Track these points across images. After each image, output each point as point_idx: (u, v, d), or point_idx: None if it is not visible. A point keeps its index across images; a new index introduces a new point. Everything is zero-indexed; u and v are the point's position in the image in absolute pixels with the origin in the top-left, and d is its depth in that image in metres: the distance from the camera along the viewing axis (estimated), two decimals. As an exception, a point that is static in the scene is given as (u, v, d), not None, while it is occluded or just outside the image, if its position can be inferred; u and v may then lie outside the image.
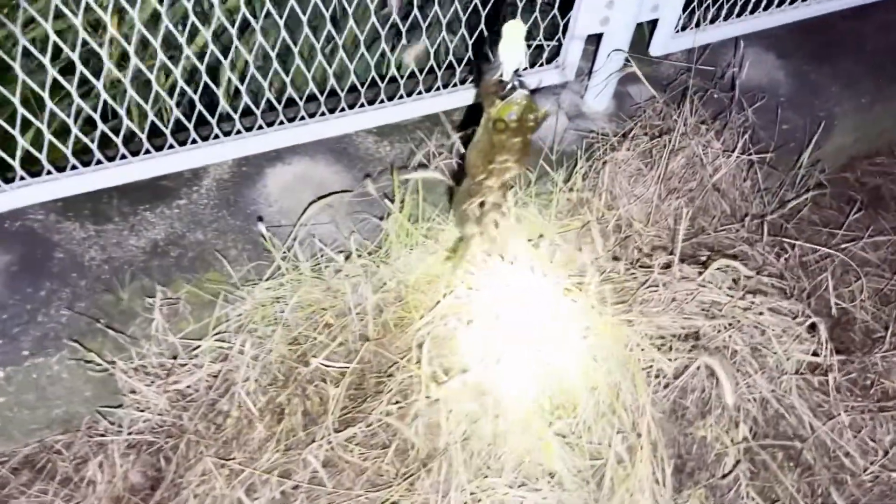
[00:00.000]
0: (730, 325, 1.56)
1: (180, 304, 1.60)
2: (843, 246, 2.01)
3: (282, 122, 1.68)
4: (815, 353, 1.65)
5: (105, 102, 1.47)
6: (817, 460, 1.60)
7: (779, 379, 1.63)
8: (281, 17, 1.50)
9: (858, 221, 2.11)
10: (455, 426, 1.49)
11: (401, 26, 1.66)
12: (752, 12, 2.08)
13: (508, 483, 1.44)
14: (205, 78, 1.54)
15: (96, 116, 1.47)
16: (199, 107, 1.56)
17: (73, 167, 1.54)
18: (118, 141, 1.53)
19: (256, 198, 1.80)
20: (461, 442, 1.47)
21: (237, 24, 1.50)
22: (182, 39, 1.45)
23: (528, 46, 1.80)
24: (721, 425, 1.57)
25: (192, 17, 1.43)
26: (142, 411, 1.59)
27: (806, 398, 1.65)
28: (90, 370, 1.52)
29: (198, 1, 1.50)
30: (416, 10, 1.66)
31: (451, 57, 1.76)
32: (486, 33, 1.71)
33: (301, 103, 1.67)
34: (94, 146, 1.51)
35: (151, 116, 1.53)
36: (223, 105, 1.58)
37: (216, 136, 1.63)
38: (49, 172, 1.52)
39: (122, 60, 1.61)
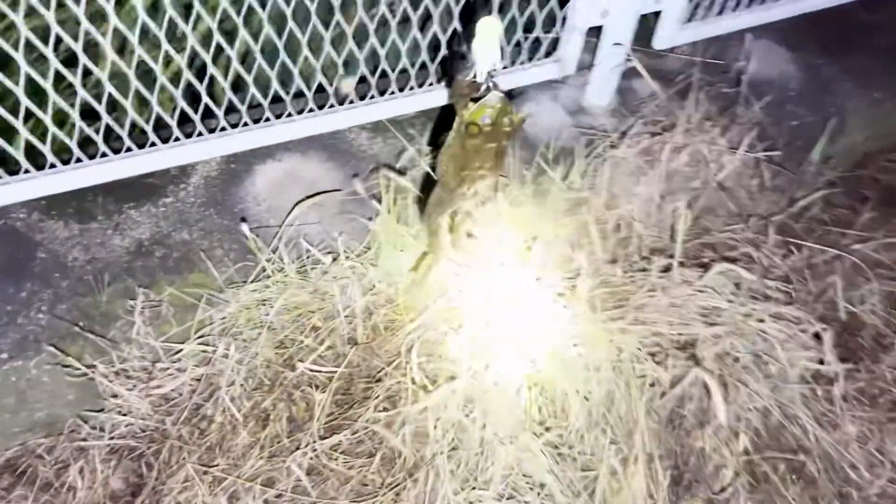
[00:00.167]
0: (730, 332, 1.50)
1: (163, 307, 1.56)
2: (854, 247, 1.93)
3: (268, 119, 1.63)
4: (820, 361, 1.58)
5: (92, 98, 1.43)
6: (821, 473, 1.54)
7: (782, 388, 1.57)
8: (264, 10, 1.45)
9: (871, 221, 2.02)
10: (442, 435, 1.44)
11: (390, 19, 1.60)
12: (761, 3, 2.00)
13: (496, 495, 1.39)
14: (187, 75, 1.49)
15: (75, 114, 1.43)
16: (181, 104, 1.51)
17: (52, 165, 1.50)
18: (98, 139, 1.49)
19: (244, 196, 1.75)
20: (448, 452, 1.43)
21: (217, 19, 1.45)
22: (161, 33, 1.40)
23: (526, 39, 1.75)
24: (720, 436, 1.50)
25: (174, 16, 1.39)
26: (124, 415, 1.55)
27: (810, 408, 1.58)
28: (69, 375, 1.48)
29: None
30: (406, 3, 1.60)
31: (444, 51, 1.70)
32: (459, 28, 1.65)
33: (288, 99, 1.62)
34: (73, 144, 1.47)
35: (132, 114, 1.49)
36: (206, 101, 1.53)
37: (200, 134, 1.59)
38: (27, 171, 1.48)
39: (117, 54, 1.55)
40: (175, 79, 1.49)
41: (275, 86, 1.58)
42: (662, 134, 1.85)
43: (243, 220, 1.64)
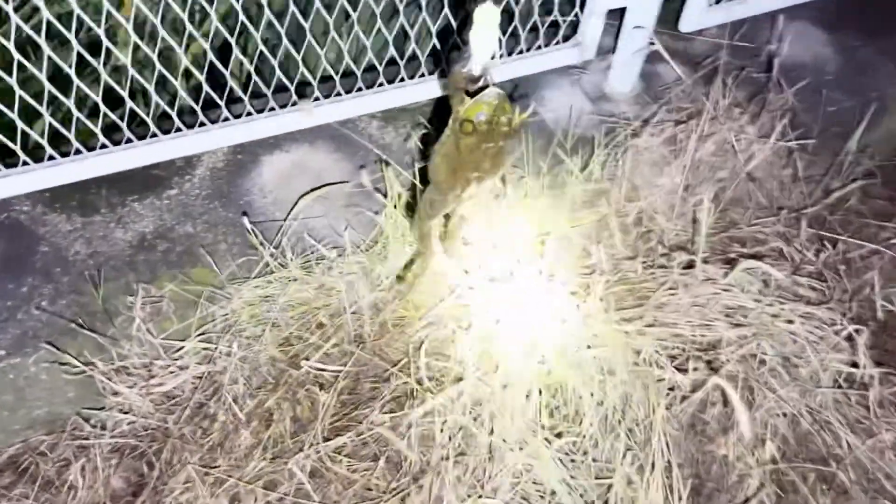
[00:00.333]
0: (756, 333, 1.41)
1: (164, 303, 1.52)
2: (893, 241, 1.81)
3: (273, 109, 1.57)
4: (854, 364, 1.49)
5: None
6: (854, 483, 1.45)
7: (812, 392, 1.48)
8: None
9: (913, 213, 1.91)
10: (449, 439, 1.38)
11: (398, 5, 1.53)
12: (796, -19, 1.89)
13: (504, 503, 1.33)
14: (185, 63, 1.44)
15: (70, 104, 1.39)
16: (181, 92, 1.46)
17: (51, 157, 1.46)
18: (97, 130, 1.45)
19: (251, 188, 1.70)
20: (455, 457, 1.36)
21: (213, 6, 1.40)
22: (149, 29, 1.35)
23: (543, 22, 1.66)
24: (745, 443, 1.42)
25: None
26: (125, 413, 1.52)
27: (843, 414, 1.49)
28: (66, 373, 1.45)
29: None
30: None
31: (455, 37, 1.62)
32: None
33: (292, 88, 1.56)
34: (71, 136, 1.43)
35: (130, 104, 1.44)
36: (207, 91, 1.48)
37: (202, 125, 1.53)
38: (25, 163, 1.44)
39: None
40: (174, 70, 1.44)
41: (278, 74, 1.52)
42: (688, 122, 1.75)
43: (245, 213, 1.59)
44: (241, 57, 1.49)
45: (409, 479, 1.39)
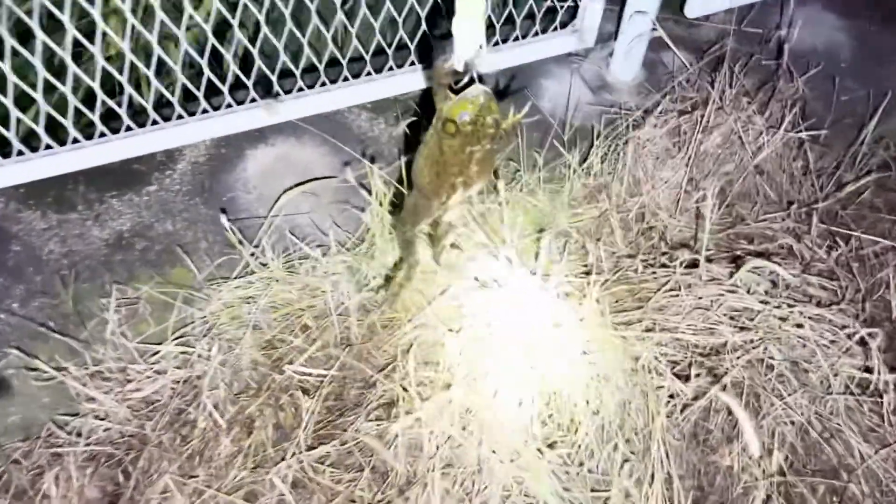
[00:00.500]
0: (763, 337, 1.33)
1: (140, 304, 1.46)
2: (909, 237, 1.73)
3: (253, 100, 1.50)
4: (867, 369, 1.41)
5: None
6: (867, 496, 1.37)
7: (823, 399, 1.40)
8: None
9: (930, 207, 1.82)
10: (436, 449, 1.30)
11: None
12: (807, -36, 1.79)
13: (494, 518, 1.26)
14: (160, 54, 1.36)
15: (38, 97, 1.32)
16: (154, 82, 1.39)
17: (20, 153, 1.39)
18: (68, 124, 1.38)
19: (234, 183, 1.63)
20: (442, 468, 1.29)
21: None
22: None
23: (539, 8, 1.57)
24: (750, 453, 1.34)
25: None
26: (101, 420, 1.45)
27: (855, 422, 1.41)
28: (36, 379, 1.39)
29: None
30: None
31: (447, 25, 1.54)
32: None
33: (274, 78, 1.49)
34: (41, 130, 1.36)
35: (102, 96, 1.37)
36: (184, 82, 1.40)
37: (180, 118, 1.46)
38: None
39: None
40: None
41: (259, 64, 1.45)
42: (692, 112, 1.68)
43: (223, 210, 1.52)
44: (220, 48, 1.41)
45: (395, 490, 1.33)
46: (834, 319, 1.44)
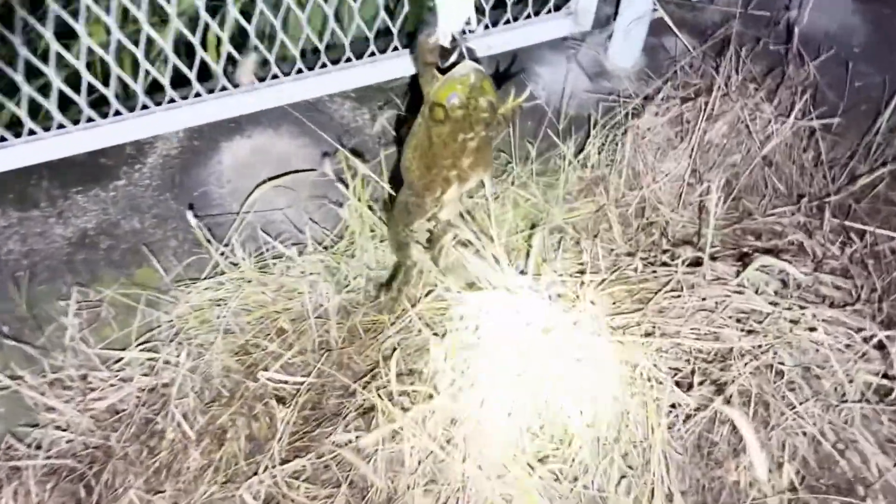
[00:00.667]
0: (771, 343, 1.23)
1: (103, 308, 1.36)
2: (928, 232, 1.63)
3: (224, 88, 1.40)
4: (885, 375, 1.31)
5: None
6: (885, 512, 1.27)
7: (837, 408, 1.30)
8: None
9: (950, 200, 1.72)
10: (419, 464, 1.21)
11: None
12: (819, -59, 1.69)
13: (480, 539, 1.16)
14: (119, 37, 1.27)
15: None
16: (114, 69, 1.29)
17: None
18: (24, 116, 1.29)
19: (207, 177, 1.54)
20: (425, 485, 1.20)
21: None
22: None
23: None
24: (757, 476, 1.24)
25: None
26: (63, 431, 1.36)
27: (872, 432, 1.31)
28: (-12, 387, 1.30)
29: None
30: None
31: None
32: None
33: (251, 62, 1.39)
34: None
35: (59, 84, 1.27)
36: (148, 68, 1.30)
37: (145, 107, 1.37)
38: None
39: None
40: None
41: (228, 49, 1.35)
42: (696, 99, 1.59)
43: (191, 206, 1.42)
44: (189, 36, 1.31)
45: (374, 508, 1.23)
46: (849, 321, 1.34)
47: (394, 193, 1.32)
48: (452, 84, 1.00)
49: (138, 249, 1.44)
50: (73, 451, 1.38)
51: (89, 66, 1.28)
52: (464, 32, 1.00)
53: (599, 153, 1.57)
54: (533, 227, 1.40)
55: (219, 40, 1.37)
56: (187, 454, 1.35)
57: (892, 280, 1.52)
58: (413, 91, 1.62)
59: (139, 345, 1.37)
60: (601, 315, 1.21)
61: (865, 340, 1.32)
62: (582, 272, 1.35)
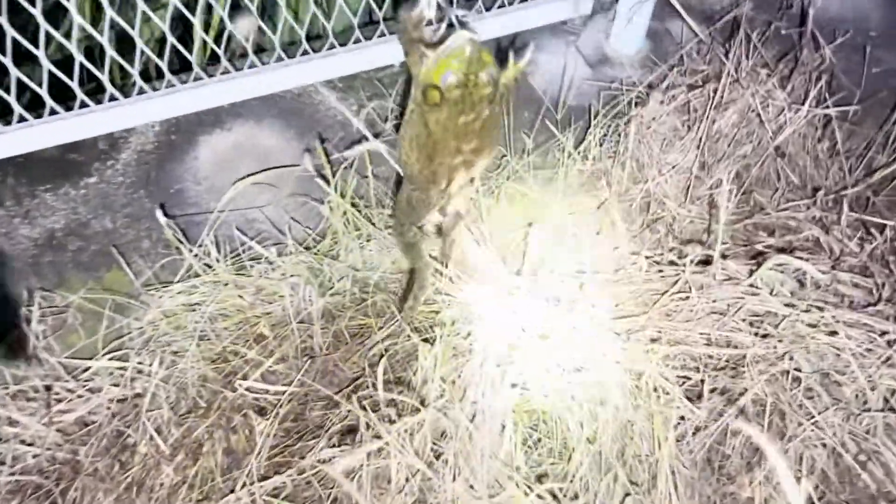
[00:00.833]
0: (788, 347, 1.14)
1: (69, 314, 1.28)
2: (951, 226, 1.54)
3: (199, 78, 1.31)
4: (910, 382, 1.21)
5: None
6: (911, 529, 1.18)
7: (858, 416, 1.21)
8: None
9: (975, 193, 1.63)
10: (406, 482, 1.12)
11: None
12: (833, -83, 1.60)
13: (472, 564, 1.07)
14: (82, 22, 1.18)
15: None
16: (81, 59, 1.20)
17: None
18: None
19: (183, 174, 1.46)
20: (413, 504, 1.11)
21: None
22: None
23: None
24: (775, 482, 1.15)
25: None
26: (28, 445, 1.28)
27: (896, 442, 1.22)
28: (-57, 401, 1.21)
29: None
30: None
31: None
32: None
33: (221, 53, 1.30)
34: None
35: (16, 72, 1.18)
36: (114, 56, 1.21)
37: (113, 99, 1.28)
38: None
39: None
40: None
41: (202, 37, 1.26)
42: (704, 86, 1.51)
43: (162, 205, 1.33)
44: (162, 26, 1.22)
45: (358, 530, 1.14)
46: (870, 323, 1.25)
47: (381, 186, 1.23)
48: (446, 60, 0.89)
49: (108, 251, 1.35)
50: (39, 467, 1.30)
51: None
52: (451, 2, 0.90)
53: (601, 145, 1.49)
54: (529, 224, 1.31)
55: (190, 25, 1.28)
56: (160, 470, 1.27)
57: (917, 278, 1.43)
58: (404, 80, 1.54)
59: (108, 353, 1.29)
60: (603, 319, 1.12)
61: (889, 344, 1.24)
62: (582, 272, 1.26)
